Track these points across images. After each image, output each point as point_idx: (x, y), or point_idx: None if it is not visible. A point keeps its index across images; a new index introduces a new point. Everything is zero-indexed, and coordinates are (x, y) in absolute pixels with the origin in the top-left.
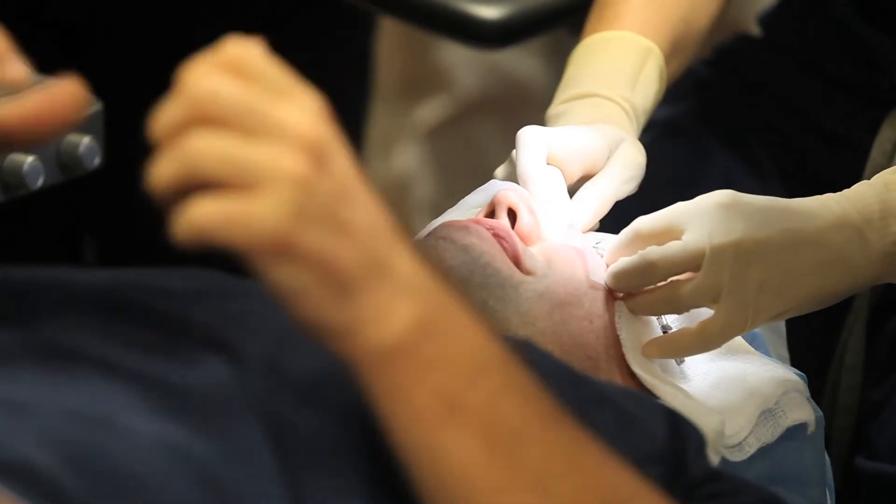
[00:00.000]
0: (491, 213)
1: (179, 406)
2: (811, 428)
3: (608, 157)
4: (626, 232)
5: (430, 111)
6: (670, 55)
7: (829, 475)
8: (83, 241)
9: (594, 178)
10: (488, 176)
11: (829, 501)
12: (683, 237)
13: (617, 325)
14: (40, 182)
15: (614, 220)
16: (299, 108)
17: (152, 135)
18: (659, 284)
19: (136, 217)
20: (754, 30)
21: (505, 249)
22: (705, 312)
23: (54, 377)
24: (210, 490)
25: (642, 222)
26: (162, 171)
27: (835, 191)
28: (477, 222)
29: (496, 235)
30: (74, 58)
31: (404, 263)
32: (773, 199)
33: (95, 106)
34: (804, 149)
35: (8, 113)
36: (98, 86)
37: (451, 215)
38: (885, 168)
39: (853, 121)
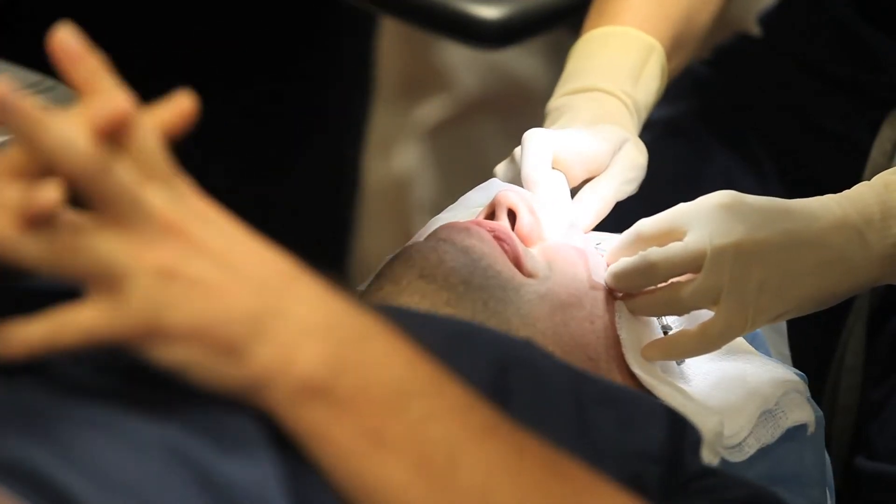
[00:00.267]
0: (491, 215)
1: (175, 403)
2: (811, 429)
3: (611, 160)
4: (629, 233)
5: (431, 111)
6: (671, 52)
7: (830, 475)
8: None
9: (595, 179)
10: (489, 175)
11: (829, 501)
12: (685, 238)
13: (617, 326)
14: None
15: (614, 220)
16: (167, 194)
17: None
18: (659, 286)
19: None
20: (754, 30)
21: (506, 251)
22: (705, 313)
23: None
24: (209, 490)
25: (644, 224)
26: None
27: (835, 191)
28: (477, 224)
29: (497, 237)
30: None
31: (301, 305)
32: (774, 199)
33: None
34: (804, 149)
35: None
36: None
37: (450, 213)
38: (885, 168)
39: (853, 121)
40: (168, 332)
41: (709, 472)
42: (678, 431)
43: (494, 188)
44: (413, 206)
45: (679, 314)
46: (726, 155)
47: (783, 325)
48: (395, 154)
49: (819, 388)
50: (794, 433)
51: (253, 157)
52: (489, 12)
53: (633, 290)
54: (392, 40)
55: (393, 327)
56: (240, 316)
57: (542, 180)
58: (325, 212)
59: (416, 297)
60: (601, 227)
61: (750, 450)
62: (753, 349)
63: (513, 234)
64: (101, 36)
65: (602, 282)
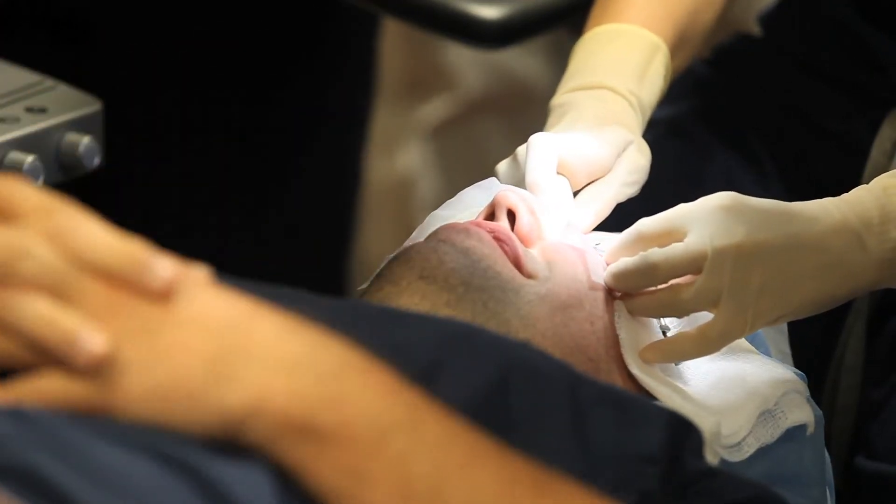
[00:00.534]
0: (490, 215)
1: None
2: (810, 429)
3: (614, 163)
4: (629, 233)
5: (433, 110)
6: (674, 51)
7: (830, 474)
8: None
9: (596, 182)
10: (491, 175)
11: (829, 500)
12: (686, 239)
13: (616, 325)
14: (40, 182)
15: (614, 220)
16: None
17: None
18: (659, 287)
19: (134, 215)
20: (755, 30)
21: (506, 253)
22: (705, 314)
23: None
24: (206, 493)
25: (645, 223)
26: None
27: (835, 190)
28: (477, 225)
29: (497, 239)
30: (76, 57)
31: (264, 341)
32: (775, 202)
33: (95, 106)
34: (804, 148)
35: None
36: (99, 86)
37: (448, 210)
38: (885, 167)
39: (853, 120)
40: (123, 405)
41: (711, 473)
42: (679, 433)
43: (493, 187)
44: (415, 205)
45: (679, 316)
46: (727, 155)
47: (783, 324)
48: (397, 153)
49: (819, 387)
50: (794, 433)
51: (256, 156)
52: (489, 12)
53: (632, 291)
54: (395, 40)
55: (370, 358)
56: (194, 362)
57: (547, 185)
58: (328, 211)
59: (415, 298)
60: (601, 226)
61: (749, 449)
62: (753, 348)
63: (512, 235)
64: (106, 37)
65: (601, 282)
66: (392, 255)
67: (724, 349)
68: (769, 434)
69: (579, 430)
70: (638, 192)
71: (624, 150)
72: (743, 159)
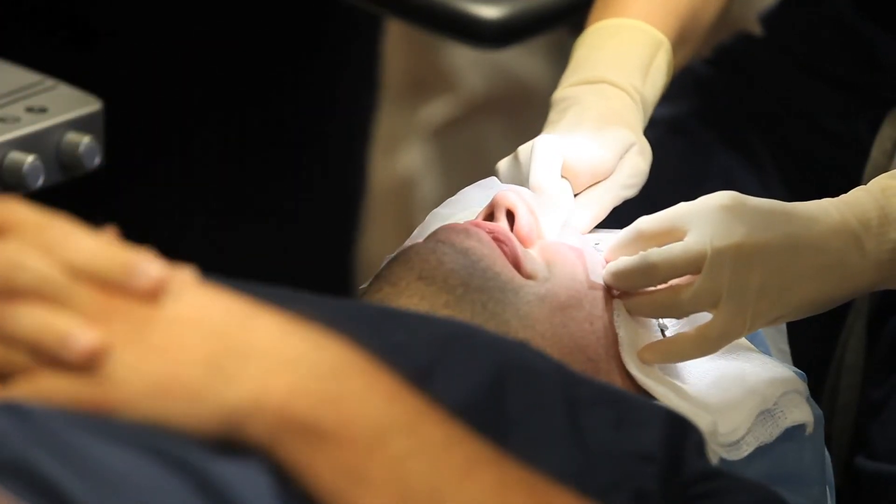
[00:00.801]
0: (490, 215)
1: None
2: (809, 429)
3: (615, 165)
4: (629, 231)
5: (435, 111)
6: (676, 47)
7: (830, 473)
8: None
9: (597, 185)
10: (492, 175)
11: (829, 500)
12: (685, 239)
13: (615, 324)
14: (40, 182)
15: (614, 219)
16: (87, 261)
17: None
18: (659, 287)
19: (134, 215)
20: (756, 29)
21: (505, 253)
22: (703, 314)
23: None
24: (206, 492)
25: (645, 222)
26: None
27: (836, 190)
28: (476, 225)
29: (496, 239)
30: (76, 57)
31: (262, 340)
32: (775, 202)
33: (95, 105)
34: (805, 148)
35: None
36: (99, 85)
37: (448, 209)
38: (885, 166)
39: (854, 120)
40: (120, 402)
41: (712, 474)
42: (678, 432)
43: (494, 186)
44: (417, 206)
45: (679, 318)
46: (727, 154)
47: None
48: (399, 154)
49: (819, 386)
50: (794, 433)
51: (258, 157)
52: (489, 12)
53: (631, 290)
54: (396, 42)
55: (371, 359)
56: (194, 361)
57: (551, 190)
58: (332, 212)
59: (414, 298)
60: (600, 225)
61: (748, 448)
62: (753, 347)
63: (512, 236)
64: (106, 37)
65: (600, 281)
66: (391, 256)
67: (723, 348)
68: (768, 433)
69: (576, 430)
70: (636, 193)
71: (626, 152)
72: (743, 159)
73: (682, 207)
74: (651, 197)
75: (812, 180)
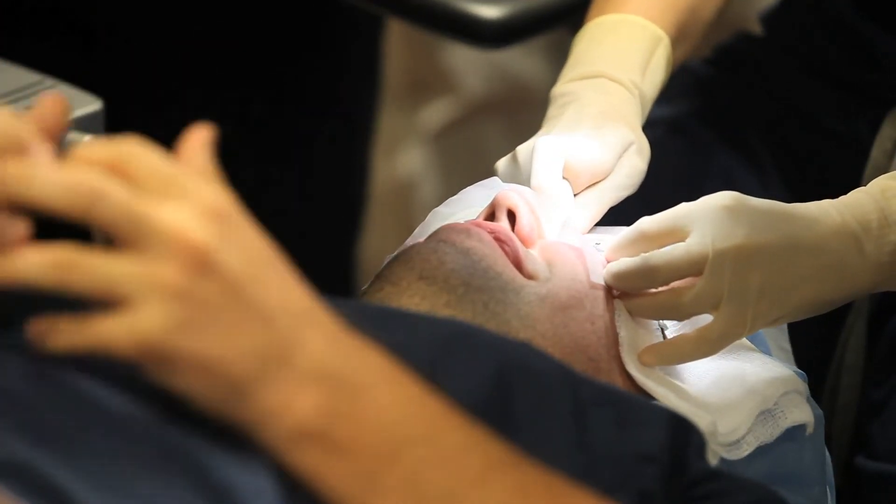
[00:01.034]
0: (491, 215)
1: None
2: (809, 429)
3: (614, 165)
4: (630, 231)
5: (435, 113)
6: (675, 43)
7: (830, 473)
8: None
9: (596, 184)
10: (492, 176)
11: (830, 500)
12: (687, 240)
13: (616, 324)
14: None
15: (615, 219)
16: (180, 211)
17: None
18: (660, 289)
19: None
20: (756, 29)
21: (506, 253)
22: (704, 316)
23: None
24: (207, 493)
25: (646, 222)
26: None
27: (836, 189)
28: (477, 225)
29: (497, 239)
30: (76, 57)
31: (307, 348)
32: (775, 203)
33: (96, 105)
34: (805, 147)
35: None
36: (99, 85)
37: (450, 207)
38: (885, 166)
39: (854, 119)
40: (175, 363)
41: (712, 475)
42: (680, 433)
43: (495, 185)
44: (417, 207)
45: (680, 320)
46: (727, 154)
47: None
48: (399, 156)
49: (819, 386)
50: (794, 433)
51: (259, 158)
52: (489, 12)
53: (632, 291)
54: (397, 42)
55: (398, 367)
56: (247, 355)
57: (551, 189)
58: (333, 213)
59: (415, 298)
60: (599, 224)
61: (748, 448)
62: (754, 347)
63: (513, 236)
64: (107, 36)
65: (601, 281)
66: (392, 255)
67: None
68: (768, 433)
69: (579, 430)
70: (634, 191)
71: (624, 151)
72: (743, 159)
73: (684, 208)
74: (651, 197)
75: (812, 180)
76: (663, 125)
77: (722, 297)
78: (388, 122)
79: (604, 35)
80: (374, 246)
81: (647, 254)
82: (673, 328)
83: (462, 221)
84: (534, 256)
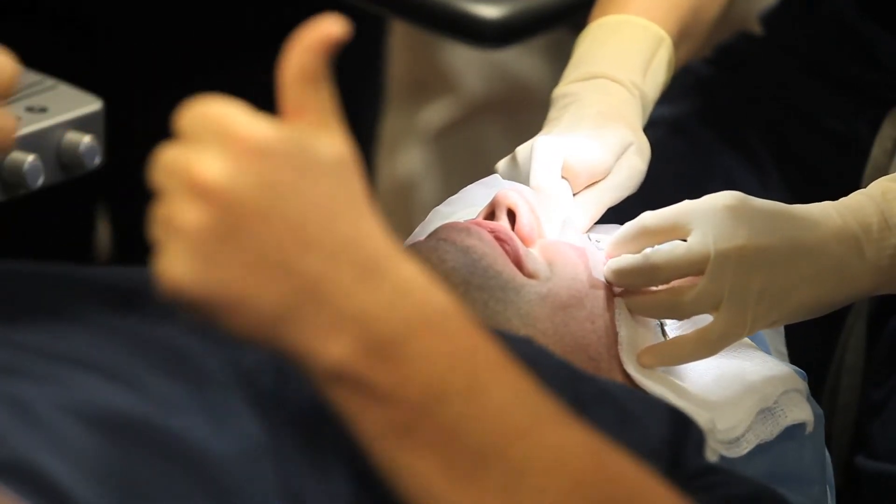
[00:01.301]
0: (491, 214)
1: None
2: (809, 428)
3: (614, 165)
4: (632, 226)
5: (435, 113)
6: (678, 43)
7: (830, 472)
8: (95, 231)
9: (595, 184)
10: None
11: (829, 498)
12: (689, 239)
13: (616, 323)
14: (40, 181)
15: (615, 218)
16: (198, 153)
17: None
18: (660, 288)
19: (134, 215)
20: (756, 28)
21: (507, 252)
22: (704, 316)
23: (57, 377)
24: (208, 488)
25: (648, 217)
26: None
27: (836, 189)
28: (478, 224)
29: (498, 238)
30: (76, 56)
31: (345, 290)
32: (778, 204)
33: (96, 105)
34: (805, 147)
35: None
36: (99, 85)
37: (451, 206)
38: (885, 166)
39: (854, 119)
40: (200, 304)
41: (711, 469)
42: (680, 429)
43: (496, 184)
44: (417, 208)
45: (680, 319)
46: (727, 154)
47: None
48: (400, 156)
49: (819, 386)
50: (794, 432)
51: None
52: (489, 12)
53: (632, 288)
54: (397, 43)
55: (449, 313)
56: (272, 294)
57: (551, 189)
58: None
59: None
60: (599, 223)
61: (748, 445)
62: (754, 345)
63: (513, 235)
64: (107, 36)
65: (601, 279)
66: None
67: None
68: (768, 431)
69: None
70: (633, 191)
71: (624, 151)
72: (744, 158)
73: (686, 205)
74: (652, 197)
75: (812, 180)
76: (664, 125)
77: (722, 297)
78: (389, 122)
79: (606, 36)
80: None
81: (648, 251)
82: (672, 327)
83: (462, 220)
84: (534, 255)
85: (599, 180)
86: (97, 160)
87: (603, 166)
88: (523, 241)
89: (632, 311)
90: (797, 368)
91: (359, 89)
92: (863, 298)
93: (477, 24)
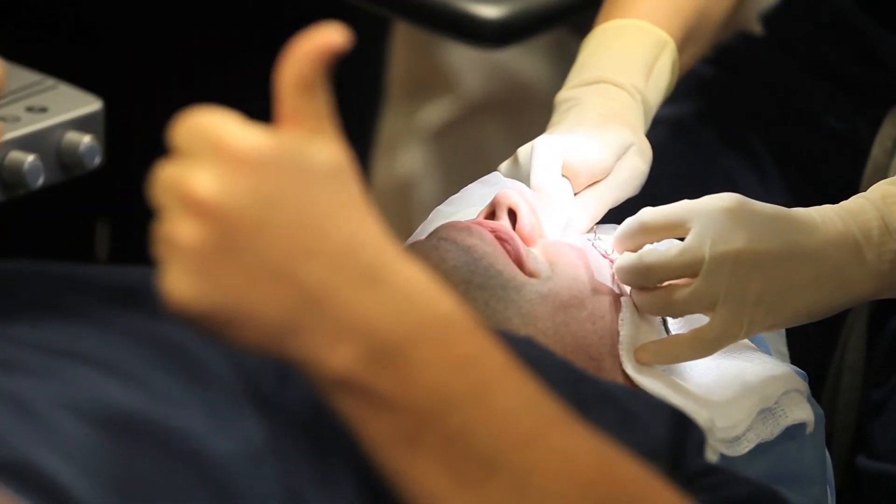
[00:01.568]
0: (491, 214)
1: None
2: (810, 428)
3: (614, 165)
4: (631, 222)
5: (435, 113)
6: (682, 47)
7: (830, 472)
8: (95, 231)
9: (594, 185)
10: None
11: (830, 499)
12: (686, 239)
13: (620, 323)
14: (40, 181)
15: (617, 219)
16: (191, 168)
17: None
18: (659, 285)
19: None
20: (756, 28)
21: (508, 251)
22: (703, 317)
23: (57, 374)
24: (209, 487)
25: (648, 214)
26: None
27: (836, 189)
28: (479, 224)
29: (499, 238)
30: (76, 56)
31: (347, 298)
32: (778, 207)
33: (96, 105)
34: (805, 147)
35: None
36: (99, 85)
37: (452, 205)
38: (885, 165)
39: (854, 118)
40: (202, 320)
41: (711, 470)
42: (680, 430)
43: (497, 183)
44: (417, 207)
45: (673, 317)
46: (728, 154)
47: None
48: (399, 156)
49: (819, 386)
50: (794, 432)
51: None
52: (489, 12)
53: (631, 286)
54: (397, 43)
55: (451, 322)
56: (273, 306)
57: (552, 189)
58: None
59: None
60: (600, 222)
61: (749, 444)
62: (755, 346)
63: (514, 234)
64: (107, 36)
65: (602, 280)
66: None
67: (724, 348)
68: (769, 431)
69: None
70: (635, 193)
71: (624, 152)
72: (744, 159)
73: (687, 204)
74: (653, 197)
75: (812, 180)
76: (665, 126)
77: (717, 299)
78: (388, 121)
79: (609, 40)
80: None
81: (642, 251)
82: (675, 326)
83: (463, 220)
84: (535, 255)
85: (600, 180)
86: (97, 160)
87: (603, 165)
88: (524, 240)
89: (636, 305)
90: (797, 369)
91: (358, 90)
92: (863, 302)
93: (477, 24)
